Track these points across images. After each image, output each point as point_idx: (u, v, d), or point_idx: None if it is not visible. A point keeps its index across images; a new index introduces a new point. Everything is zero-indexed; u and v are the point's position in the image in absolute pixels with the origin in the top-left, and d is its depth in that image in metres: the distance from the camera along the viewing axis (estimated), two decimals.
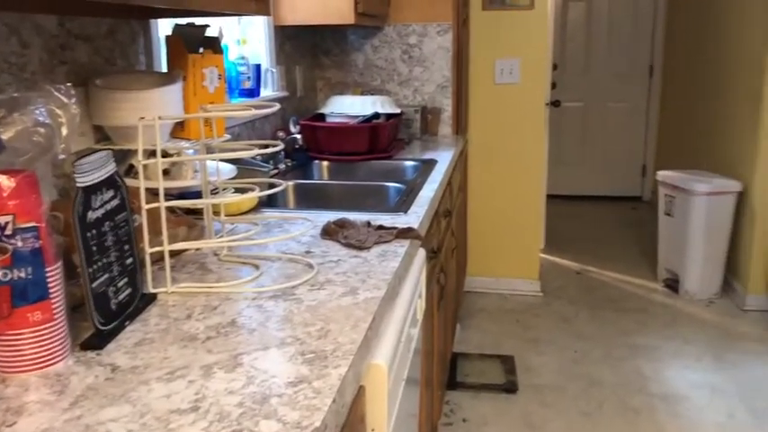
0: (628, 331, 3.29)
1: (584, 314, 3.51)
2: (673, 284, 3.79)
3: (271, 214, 1.69)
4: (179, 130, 1.54)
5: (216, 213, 1.44)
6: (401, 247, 1.41)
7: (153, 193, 1.28)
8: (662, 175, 3.83)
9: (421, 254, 1.57)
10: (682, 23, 5.00)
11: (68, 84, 0.99)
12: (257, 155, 1.24)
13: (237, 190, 1.51)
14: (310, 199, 2.08)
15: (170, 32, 1.52)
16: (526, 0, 3.48)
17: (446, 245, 2.39)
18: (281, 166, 2.27)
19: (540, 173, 3.68)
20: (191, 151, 1.55)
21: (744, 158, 3.56)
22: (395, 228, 1.50)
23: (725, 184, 3.54)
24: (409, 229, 1.48)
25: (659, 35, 5.49)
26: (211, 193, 1.43)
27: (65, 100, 0.94)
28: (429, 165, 2.36)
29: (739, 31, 3.72)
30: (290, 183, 2.10)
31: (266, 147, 2.06)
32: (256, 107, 1.29)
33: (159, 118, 1.13)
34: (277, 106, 1.29)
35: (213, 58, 1.53)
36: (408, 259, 1.42)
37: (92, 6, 1.17)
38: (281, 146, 1.35)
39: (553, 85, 5.21)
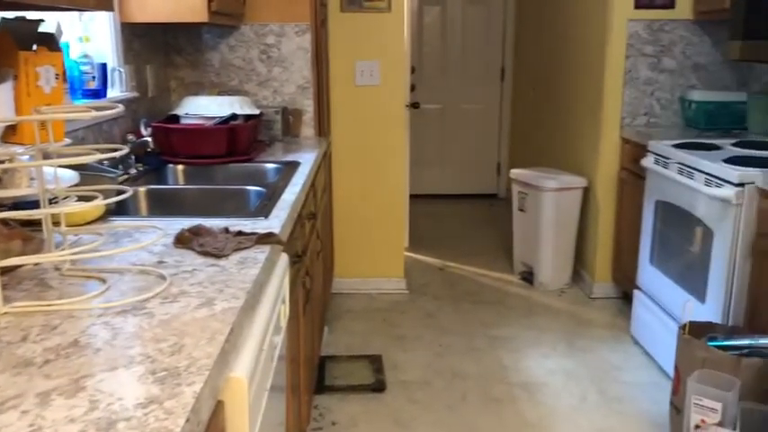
0: (488, 323, 3.43)
1: (447, 309, 3.61)
2: (528, 277, 4.00)
3: (120, 223, 1.59)
4: (11, 134, 1.40)
5: (56, 224, 1.32)
6: (261, 253, 1.37)
7: None
8: (514, 173, 4.03)
9: (283, 259, 1.53)
10: (529, 29, 5.29)
11: None
12: (100, 159, 1.15)
13: (81, 198, 1.40)
14: (165, 205, 1.98)
15: None
16: (383, 2, 3.52)
17: (311, 248, 2.36)
18: (132, 171, 2.14)
19: (403, 173, 3.75)
20: (25, 157, 1.42)
21: (587, 156, 3.82)
22: (255, 233, 1.45)
23: (571, 180, 3.78)
24: (270, 234, 1.44)
25: (509, 40, 5.78)
26: (51, 203, 1.32)
27: None
28: (291, 167, 2.32)
29: (581, 36, 3.98)
30: (141, 189, 1.98)
31: (112, 151, 1.93)
32: (97, 108, 1.20)
33: None
34: (120, 108, 1.21)
35: (49, 55, 1.40)
36: (269, 265, 1.38)
37: None
38: (126, 149, 1.26)
39: (412, 87, 5.33)
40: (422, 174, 5.94)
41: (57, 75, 1.44)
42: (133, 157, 2.16)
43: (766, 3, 2.64)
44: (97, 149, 1.86)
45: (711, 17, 3.26)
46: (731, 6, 2.90)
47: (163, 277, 1.21)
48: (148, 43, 2.72)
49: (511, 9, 5.72)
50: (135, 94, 2.49)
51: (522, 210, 4.00)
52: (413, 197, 5.06)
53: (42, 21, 1.44)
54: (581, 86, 3.94)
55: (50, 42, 1.43)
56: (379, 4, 3.52)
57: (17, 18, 1.41)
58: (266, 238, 1.42)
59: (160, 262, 1.31)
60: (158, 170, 2.28)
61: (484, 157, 6.05)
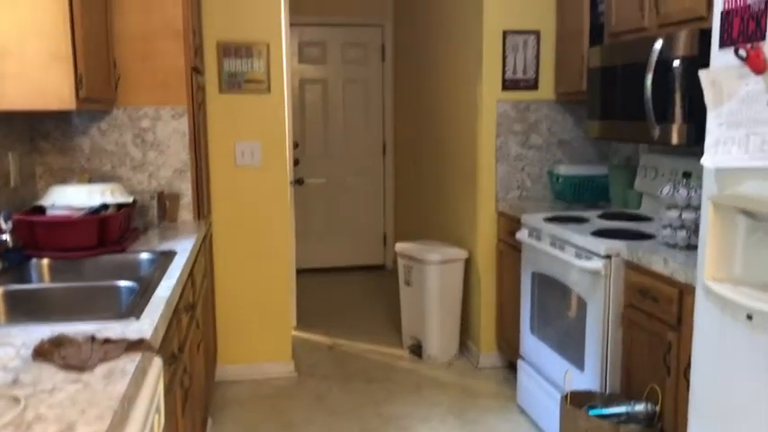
0: (379, 401, 3.38)
1: (337, 389, 3.54)
2: (417, 350, 4.01)
3: None
4: None
5: None
6: (131, 362, 1.28)
7: None
8: (400, 247, 4.09)
9: (156, 365, 1.45)
10: (407, 106, 5.49)
11: None
12: None
13: None
14: (26, 308, 1.83)
15: None
16: (262, 84, 3.54)
17: (190, 341, 2.25)
18: None
19: (288, 252, 3.70)
20: None
21: (467, 229, 3.95)
22: (124, 339, 1.37)
23: (453, 252, 3.88)
24: (140, 341, 1.36)
25: (389, 116, 5.96)
26: None
27: None
28: (167, 257, 2.23)
29: (454, 115, 4.17)
30: None
31: None
32: None
33: None
34: None
35: None
36: (140, 375, 1.30)
37: None
38: None
39: (296, 162, 5.35)
40: (308, 247, 5.91)
41: None
42: None
43: (618, 87, 2.88)
44: None
45: (571, 98, 3.52)
46: (587, 89, 3.15)
47: (17, 400, 1.10)
48: (10, 130, 2.57)
49: (389, 87, 5.93)
50: None
51: (407, 283, 4.05)
52: (300, 272, 5.01)
53: None
54: (457, 162, 4.10)
55: None
56: (259, 86, 3.54)
57: None
58: (136, 346, 1.34)
59: (15, 381, 1.19)
60: (20, 266, 2.12)
61: (370, 229, 6.12)
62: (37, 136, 2.84)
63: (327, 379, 3.68)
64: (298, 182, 4.62)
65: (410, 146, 5.41)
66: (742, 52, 1.50)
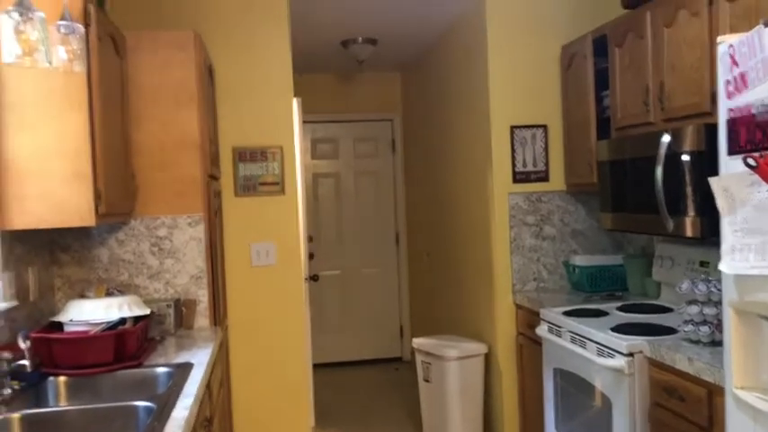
0: None
1: None
2: None
3: None
4: None
5: None
6: None
7: None
8: (417, 342, 4.03)
9: None
10: (419, 198, 5.55)
11: None
12: None
13: None
14: None
15: None
16: (277, 186, 3.61)
17: None
18: (7, 392, 1.97)
19: (304, 350, 3.66)
20: None
21: (485, 322, 3.90)
22: None
23: (472, 347, 3.82)
24: None
25: (401, 207, 6.02)
26: None
27: None
28: (184, 370, 2.21)
29: (466, 207, 4.21)
30: (15, 415, 1.81)
31: None
32: None
33: None
34: None
35: None
36: None
37: None
38: None
39: (311, 256, 5.37)
40: (324, 341, 5.84)
41: None
42: (9, 376, 1.99)
43: (628, 180, 2.90)
44: None
45: (582, 189, 3.55)
46: (598, 182, 3.17)
47: None
48: (32, 245, 2.62)
49: (400, 178, 6.02)
50: (14, 303, 2.35)
51: (427, 380, 3.97)
52: (316, 366, 4.93)
53: None
54: (471, 253, 4.10)
55: None
56: (273, 187, 3.60)
57: None
58: None
59: None
60: (37, 386, 2.11)
61: (386, 321, 6.06)
62: (57, 249, 2.88)
63: None
64: (313, 278, 4.62)
65: (423, 236, 5.43)
66: (751, 161, 1.51)
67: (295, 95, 3.70)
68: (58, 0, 2.13)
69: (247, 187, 3.59)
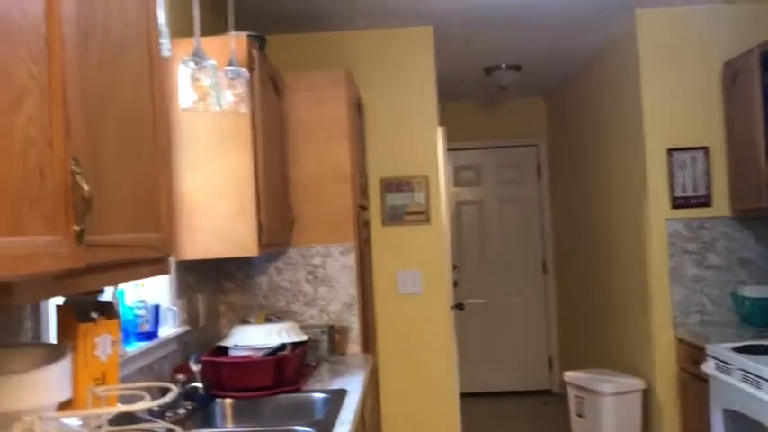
0: None
1: None
2: None
3: None
4: (66, 405, 1.41)
5: None
6: None
7: None
8: (569, 376, 3.89)
9: None
10: (567, 225, 5.38)
11: None
12: (151, 407, 1.13)
13: None
14: None
15: (61, 302, 1.44)
16: (422, 215, 3.66)
17: None
18: (181, 411, 2.12)
19: (452, 379, 3.65)
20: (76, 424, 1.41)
21: (641, 356, 3.69)
22: None
23: (629, 383, 3.62)
24: None
25: (548, 234, 5.87)
26: None
27: None
28: (339, 397, 2.27)
29: (620, 234, 4.02)
30: None
31: (161, 389, 1.93)
32: (150, 390, 1.20)
33: (39, 418, 1.03)
34: (174, 392, 1.21)
35: (107, 324, 1.45)
36: None
37: None
38: (174, 393, 1.25)
39: (454, 284, 5.36)
40: (469, 371, 5.78)
41: (113, 341, 1.47)
42: (183, 397, 2.15)
43: None
44: (147, 388, 1.86)
45: (750, 214, 3.28)
46: None
47: None
48: (201, 274, 2.83)
49: (546, 205, 5.88)
50: (186, 328, 2.54)
51: (580, 415, 3.81)
52: (461, 395, 4.89)
53: (102, 291, 1.51)
54: (625, 283, 3.91)
55: (109, 310, 1.48)
56: (419, 217, 3.65)
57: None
58: None
59: None
60: (206, 407, 2.26)
61: (533, 352, 5.90)
62: (222, 277, 3.09)
63: None
64: (458, 306, 4.60)
65: (572, 264, 5.25)
66: None
67: (439, 124, 3.75)
68: (226, 48, 2.31)
69: (394, 216, 3.67)
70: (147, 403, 1.13)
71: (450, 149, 5.30)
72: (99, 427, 1.23)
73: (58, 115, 0.96)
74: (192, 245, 2.45)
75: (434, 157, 3.69)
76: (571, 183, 5.16)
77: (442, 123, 3.87)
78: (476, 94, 5.61)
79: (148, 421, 1.82)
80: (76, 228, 0.98)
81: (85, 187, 0.98)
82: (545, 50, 4.27)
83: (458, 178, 5.98)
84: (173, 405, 2.11)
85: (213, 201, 2.45)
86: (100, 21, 1.20)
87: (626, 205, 3.87)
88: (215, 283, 3.03)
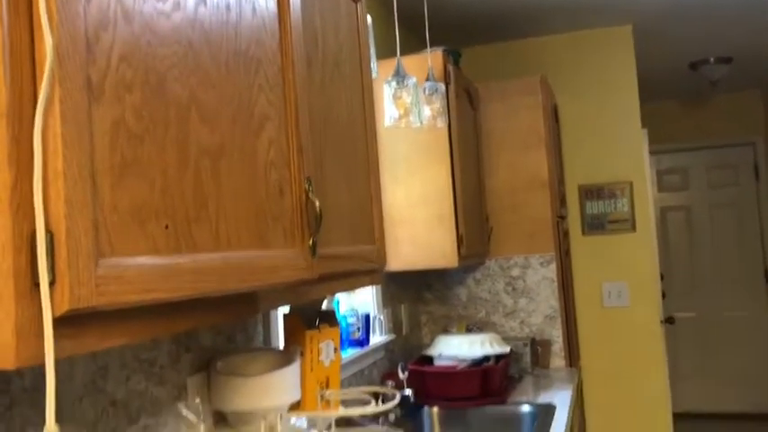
0: None
1: None
2: None
3: None
4: (295, 405, 1.52)
5: None
6: None
7: None
8: None
9: None
10: None
11: (197, 400, 1.00)
12: (376, 413, 1.18)
13: None
14: None
15: (288, 310, 1.56)
16: (626, 223, 3.47)
17: None
18: (391, 417, 2.19)
19: (665, 399, 3.40)
20: (304, 424, 1.52)
21: None
22: None
23: None
24: None
25: None
26: None
27: (192, 419, 0.94)
28: (547, 413, 2.21)
29: None
30: None
31: (383, 395, 2.01)
32: (376, 395, 1.26)
33: (281, 417, 1.11)
34: (397, 399, 1.26)
35: (329, 331, 1.55)
36: None
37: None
38: (397, 399, 1.29)
39: (663, 295, 5.01)
40: (681, 389, 5.36)
41: (335, 348, 1.56)
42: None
43: None
44: (371, 393, 1.94)
45: None
46: None
47: None
48: (403, 284, 2.92)
49: (766, 210, 5.30)
50: (392, 336, 2.63)
51: None
52: (674, 416, 4.54)
53: (324, 299, 1.61)
54: None
55: (331, 318, 1.58)
56: (623, 225, 3.47)
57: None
58: None
59: None
60: (413, 415, 2.31)
61: (757, 372, 5.32)
62: (423, 288, 3.16)
63: None
64: (668, 320, 4.30)
65: None
66: None
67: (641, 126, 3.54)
68: (423, 64, 2.38)
69: (595, 225, 3.51)
70: (375, 408, 1.19)
71: (652, 153, 5.00)
72: (329, 428, 1.31)
73: (292, 137, 1.04)
74: (396, 257, 2.54)
75: (639, 161, 3.49)
76: None
77: (643, 125, 3.65)
78: (680, 92, 5.23)
79: (365, 426, 1.90)
80: (311, 241, 1.05)
81: (318, 204, 1.05)
82: (760, 39, 3.87)
83: (661, 183, 5.60)
84: (383, 411, 2.18)
85: (414, 214, 2.52)
86: (320, 44, 1.29)
87: None
88: (415, 294, 3.11)
